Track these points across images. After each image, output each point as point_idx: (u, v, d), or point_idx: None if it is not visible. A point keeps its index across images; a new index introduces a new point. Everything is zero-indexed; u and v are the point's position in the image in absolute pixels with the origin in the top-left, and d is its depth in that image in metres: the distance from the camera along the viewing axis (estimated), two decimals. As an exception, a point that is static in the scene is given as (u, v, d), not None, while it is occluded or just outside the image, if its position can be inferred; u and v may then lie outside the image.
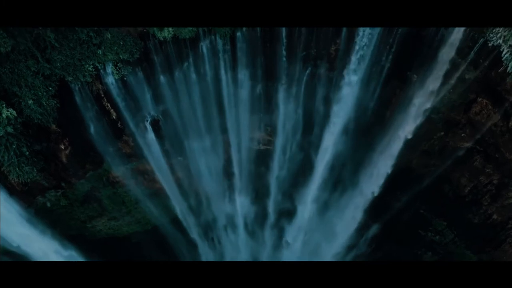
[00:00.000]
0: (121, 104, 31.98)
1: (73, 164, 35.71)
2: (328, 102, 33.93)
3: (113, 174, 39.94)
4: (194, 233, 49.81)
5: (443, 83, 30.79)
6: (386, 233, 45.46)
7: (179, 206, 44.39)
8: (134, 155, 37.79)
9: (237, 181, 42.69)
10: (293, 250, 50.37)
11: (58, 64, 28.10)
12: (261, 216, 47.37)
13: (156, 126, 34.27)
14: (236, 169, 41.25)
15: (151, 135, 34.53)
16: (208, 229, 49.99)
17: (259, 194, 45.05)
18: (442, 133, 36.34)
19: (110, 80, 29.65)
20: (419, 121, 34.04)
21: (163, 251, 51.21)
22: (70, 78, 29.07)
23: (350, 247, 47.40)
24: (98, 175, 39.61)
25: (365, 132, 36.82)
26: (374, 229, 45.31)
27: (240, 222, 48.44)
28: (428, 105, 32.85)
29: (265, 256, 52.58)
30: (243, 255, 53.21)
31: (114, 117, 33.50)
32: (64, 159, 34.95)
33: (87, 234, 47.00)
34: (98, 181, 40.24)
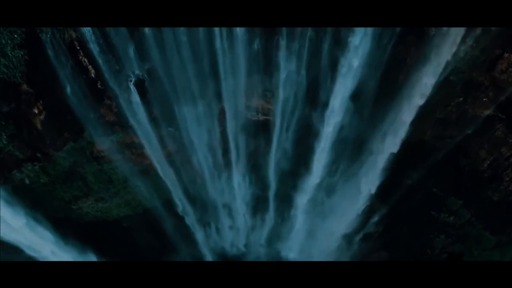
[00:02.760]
0: (100, 59, 27.03)
1: (49, 131, 30.73)
2: (335, 61, 28.79)
3: (97, 147, 34.90)
4: (189, 217, 44.59)
5: (464, 37, 25.81)
6: (395, 215, 40.58)
7: (171, 185, 39.26)
8: (119, 124, 32.76)
9: (234, 157, 37.54)
10: (296, 235, 45.12)
11: (23, 5, 22.87)
12: (260, 197, 42.17)
13: (141, 87, 29.22)
14: (232, 144, 36.18)
15: (135, 98, 29.47)
16: (204, 212, 44.82)
17: (258, 172, 39.87)
18: (461, 99, 31.88)
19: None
20: (436, 84, 28.96)
21: (156, 236, 46.27)
22: (38, 24, 23.86)
23: (356, 230, 42.08)
24: (80, 148, 34.57)
25: (376, 98, 31.74)
26: (382, 211, 40.17)
27: (237, 204, 43.21)
28: (447, 65, 27.72)
29: (266, 240, 47.28)
30: (242, 240, 47.96)
31: (92, 75, 28.47)
32: (38, 126, 29.92)
33: (73, 216, 41.98)
34: (81, 155, 35.19)
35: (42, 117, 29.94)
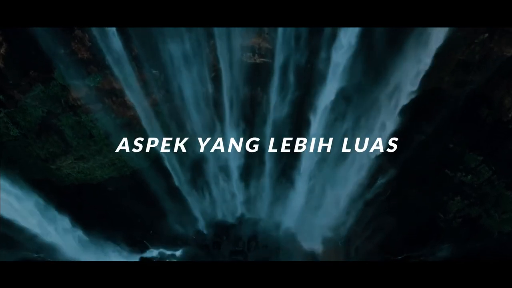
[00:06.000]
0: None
1: (12, 69, 25.64)
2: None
3: (72, 94, 30.02)
4: (180, 180, 39.74)
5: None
6: (405, 175, 35.91)
7: (158, 141, 34.19)
8: (94, 63, 27.74)
9: (227, 108, 32.55)
10: (297, 199, 40.34)
11: None
12: (257, 154, 37.19)
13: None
14: (225, 92, 31.08)
15: (111, 27, 24.23)
16: (196, 174, 39.96)
17: (255, 126, 34.88)
18: (486, 35, 26.71)
19: None
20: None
21: (144, 202, 41.38)
22: None
23: (361, 193, 37.36)
24: (53, 95, 29.76)
25: (387, 32, 26.68)
26: (390, 171, 35.37)
27: (233, 164, 38.30)
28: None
29: (264, 207, 42.52)
30: (237, 204, 43.25)
31: (57, -5, 23.17)
32: (-1, 61, 24.88)
33: (54, 179, 37.25)
34: (55, 104, 30.41)
35: (2, 50, 24.98)
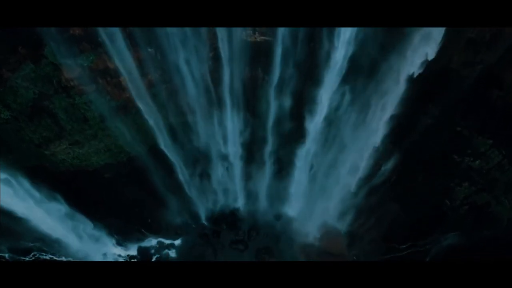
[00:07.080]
0: None
1: (0, 45, 24.17)
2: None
3: (65, 74, 28.61)
4: (179, 167, 38.43)
5: None
6: (410, 160, 34.54)
7: (155, 126, 32.84)
8: (87, 40, 26.30)
9: (227, 90, 31.08)
10: (299, 188, 39.06)
11: None
12: (258, 139, 35.83)
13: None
14: (225, 72, 29.65)
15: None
16: (195, 160, 38.59)
17: (255, 108, 33.49)
18: (499, 11, 25.01)
19: None
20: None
21: (142, 190, 40.16)
22: None
23: (364, 180, 36.00)
24: (45, 75, 28.38)
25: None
26: (395, 156, 34.01)
27: (232, 149, 36.89)
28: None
29: (266, 192, 41.21)
30: (240, 194, 42.00)
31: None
32: (-15, 36, 23.46)
33: (48, 164, 35.82)
34: (47, 85, 29.08)
35: (-12, 25, 23.43)
